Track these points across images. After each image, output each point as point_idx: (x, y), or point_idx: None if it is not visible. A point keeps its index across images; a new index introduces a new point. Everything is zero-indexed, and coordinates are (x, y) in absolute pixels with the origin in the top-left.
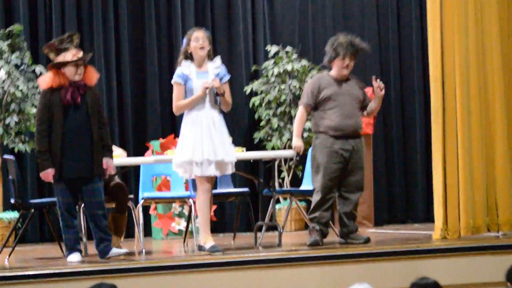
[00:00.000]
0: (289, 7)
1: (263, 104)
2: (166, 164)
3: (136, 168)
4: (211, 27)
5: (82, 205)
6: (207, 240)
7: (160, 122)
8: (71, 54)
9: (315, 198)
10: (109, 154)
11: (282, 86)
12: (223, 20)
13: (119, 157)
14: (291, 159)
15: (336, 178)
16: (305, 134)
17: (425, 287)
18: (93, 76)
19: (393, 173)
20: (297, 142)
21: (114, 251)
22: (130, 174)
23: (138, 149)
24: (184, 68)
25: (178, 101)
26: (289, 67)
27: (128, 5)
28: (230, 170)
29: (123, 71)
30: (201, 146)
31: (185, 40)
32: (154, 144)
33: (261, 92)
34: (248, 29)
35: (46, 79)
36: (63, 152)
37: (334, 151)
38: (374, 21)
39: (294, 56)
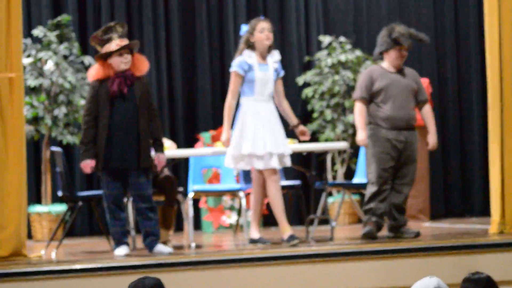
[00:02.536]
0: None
1: (316, 96)
2: (217, 157)
3: (186, 160)
4: (263, 17)
5: (131, 198)
6: (285, 230)
7: (211, 114)
8: (115, 44)
9: (370, 190)
10: (160, 148)
11: (336, 77)
12: (275, 10)
13: (169, 149)
14: (345, 151)
15: (390, 169)
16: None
17: (478, 282)
18: (142, 65)
19: (449, 166)
20: (361, 135)
21: (159, 248)
22: (180, 167)
23: (189, 141)
24: (246, 57)
25: (233, 95)
26: (342, 58)
27: None
28: (288, 162)
29: (173, 62)
30: (263, 139)
31: (246, 29)
32: (205, 136)
33: (314, 83)
34: (301, 18)
35: (93, 71)
36: (109, 144)
37: (387, 141)
38: (431, 10)
39: (348, 46)
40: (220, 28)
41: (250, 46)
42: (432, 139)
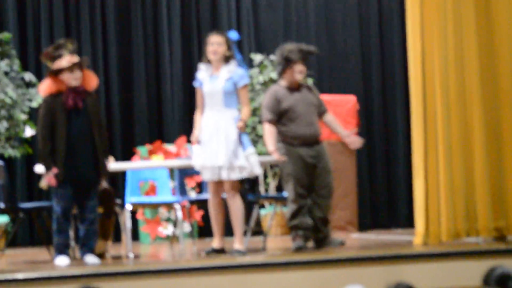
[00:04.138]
0: (273, 16)
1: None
2: (153, 170)
3: (123, 173)
4: (197, 33)
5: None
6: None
7: (147, 127)
8: (66, 60)
9: (291, 207)
10: (108, 159)
11: None
12: (208, 27)
13: None
14: (277, 165)
15: (306, 184)
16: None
17: None
18: (92, 81)
19: (376, 179)
20: (275, 155)
21: (89, 259)
22: (118, 179)
23: (126, 154)
24: (200, 71)
25: (198, 107)
26: (273, 75)
27: (115, 10)
28: (233, 175)
29: (111, 77)
30: (205, 151)
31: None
32: (141, 150)
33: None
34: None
35: (45, 86)
36: (68, 156)
37: (300, 159)
38: (357, 29)
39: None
40: (155, 42)
41: (206, 60)
42: (349, 138)
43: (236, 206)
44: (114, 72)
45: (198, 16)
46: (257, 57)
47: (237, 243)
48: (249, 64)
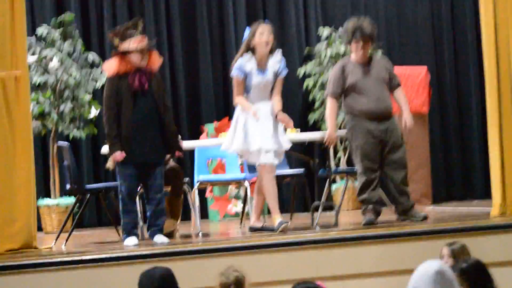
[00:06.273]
0: None
1: (317, 86)
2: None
3: (191, 151)
4: (262, 11)
5: (140, 189)
6: (274, 219)
7: (214, 105)
8: (137, 41)
9: (360, 180)
10: (177, 137)
11: None
12: (274, 4)
13: None
14: (347, 139)
15: (376, 158)
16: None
17: (469, 268)
18: (157, 61)
19: (450, 151)
20: (332, 134)
21: (157, 239)
22: (185, 157)
23: (193, 132)
24: (244, 61)
25: (238, 96)
26: (342, 49)
27: None
28: (274, 159)
29: (176, 54)
30: (253, 136)
31: (248, 32)
32: (209, 127)
33: (315, 74)
34: (300, 11)
35: (112, 66)
36: (134, 138)
37: (369, 132)
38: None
39: None
40: (220, 21)
41: (250, 50)
42: (408, 119)
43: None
44: (179, 48)
45: None
46: (324, 31)
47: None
48: (317, 38)
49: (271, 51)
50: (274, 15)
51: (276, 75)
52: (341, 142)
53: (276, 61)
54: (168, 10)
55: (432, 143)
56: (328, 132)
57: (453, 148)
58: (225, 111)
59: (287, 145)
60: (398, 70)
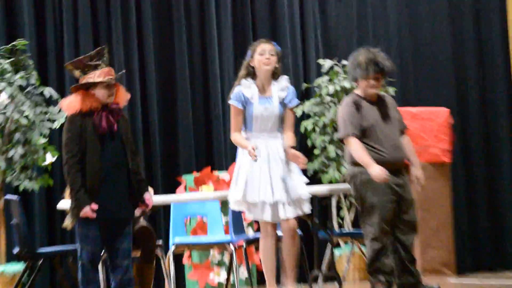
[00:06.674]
0: (345, 10)
1: (317, 129)
2: (202, 203)
3: (166, 208)
4: (252, 37)
5: (103, 254)
6: None
7: (194, 151)
8: (103, 73)
9: (372, 246)
10: (147, 187)
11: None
12: (266, 28)
13: None
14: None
15: (392, 219)
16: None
17: None
18: (124, 97)
19: (477, 209)
20: (375, 168)
21: None
22: (159, 215)
23: (168, 185)
24: (244, 88)
25: (235, 132)
26: (347, 84)
27: (153, 13)
28: (290, 212)
29: (149, 91)
30: (258, 186)
31: (249, 53)
32: (187, 179)
33: (315, 115)
34: (297, 39)
35: (74, 102)
36: (102, 190)
37: (388, 188)
38: (448, 25)
39: None
40: (203, 55)
41: (250, 73)
42: (418, 172)
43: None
44: (153, 84)
45: (254, 11)
46: (326, 63)
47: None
48: (317, 71)
49: (276, 76)
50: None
51: (283, 104)
52: (344, 198)
53: (282, 88)
54: (141, 34)
55: (456, 200)
56: (372, 170)
57: (481, 206)
58: (208, 158)
59: (304, 192)
60: (414, 110)
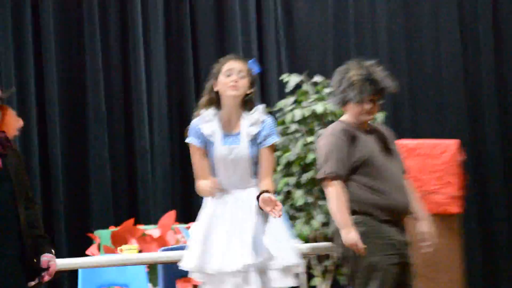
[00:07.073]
0: (317, 11)
1: (280, 168)
2: (122, 268)
3: (72, 276)
4: (191, 43)
5: None
6: None
7: (112, 200)
8: None
9: None
10: (49, 246)
11: (309, 139)
12: (209, 31)
13: None
14: (327, 256)
15: (395, 285)
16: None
17: None
18: (14, 124)
19: (497, 276)
20: (351, 233)
21: None
22: (62, 283)
23: (75, 244)
24: (202, 122)
25: (202, 176)
26: (319, 108)
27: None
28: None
29: (50, 116)
30: (217, 250)
31: (213, 73)
32: (102, 235)
33: (276, 150)
34: (252, 47)
35: None
36: None
37: (391, 245)
38: (456, 39)
39: (327, 90)
40: (125, 65)
41: (213, 100)
42: (427, 227)
43: None
44: (55, 107)
45: (193, 13)
46: (291, 80)
47: None
48: (279, 90)
49: (248, 106)
50: (210, 56)
51: (256, 144)
52: (318, 262)
53: (254, 121)
54: (39, 39)
55: (469, 263)
56: (346, 233)
57: (503, 270)
58: (130, 210)
59: (289, 256)
60: (411, 146)
